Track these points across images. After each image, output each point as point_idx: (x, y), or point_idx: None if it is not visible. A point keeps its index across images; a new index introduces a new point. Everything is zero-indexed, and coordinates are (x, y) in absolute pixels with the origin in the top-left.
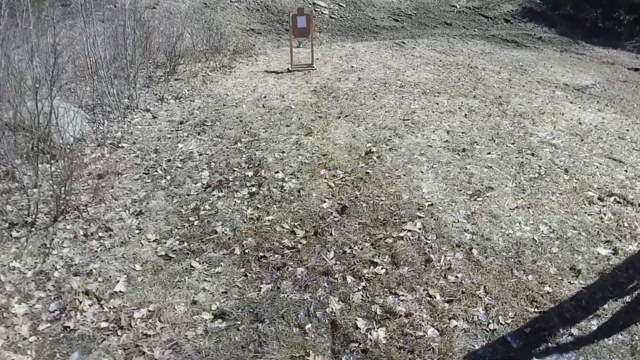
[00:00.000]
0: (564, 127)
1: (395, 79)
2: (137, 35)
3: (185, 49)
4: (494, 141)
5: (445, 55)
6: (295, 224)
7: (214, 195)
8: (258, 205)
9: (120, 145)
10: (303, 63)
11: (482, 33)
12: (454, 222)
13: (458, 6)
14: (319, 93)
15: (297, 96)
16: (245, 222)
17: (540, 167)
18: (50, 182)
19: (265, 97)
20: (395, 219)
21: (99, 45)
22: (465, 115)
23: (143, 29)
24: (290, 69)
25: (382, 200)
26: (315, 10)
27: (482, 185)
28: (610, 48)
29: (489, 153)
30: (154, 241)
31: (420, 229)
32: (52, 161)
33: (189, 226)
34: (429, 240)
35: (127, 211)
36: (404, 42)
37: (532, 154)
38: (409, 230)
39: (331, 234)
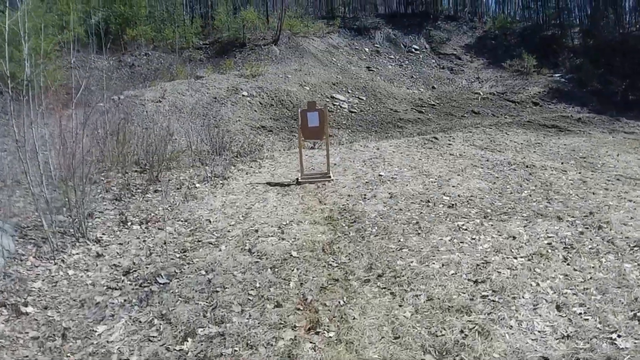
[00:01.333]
0: None
1: (440, 193)
2: (109, 133)
3: (178, 151)
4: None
5: (490, 151)
6: None
7: None
8: None
9: (25, 309)
10: (317, 172)
11: (516, 120)
12: None
13: (481, 93)
14: (335, 223)
15: (303, 229)
16: None
17: None
18: None
19: (257, 230)
20: None
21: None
22: (565, 259)
23: (122, 127)
24: (299, 179)
25: None
26: (334, 105)
27: None
28: None
29: None
30: None
31: None
32: None
33: None
34: None
35: None
36: (436, 138)
37: None
38: None
39: None
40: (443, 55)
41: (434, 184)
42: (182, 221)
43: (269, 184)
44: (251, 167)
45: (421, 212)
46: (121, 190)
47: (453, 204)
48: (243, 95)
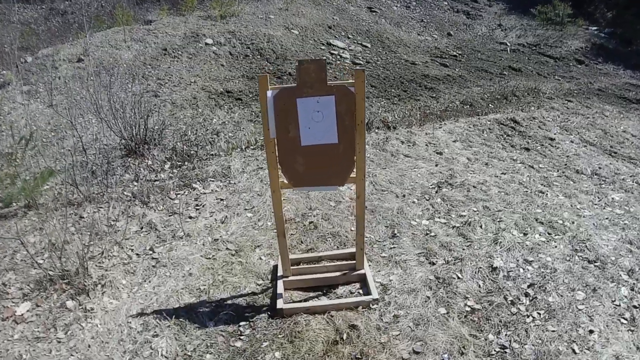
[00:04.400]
0: None
1: None
2: None
3: (48, 168)
4: None
5: (629, 161)
6: None
7: None
8: None
9: None
10: (322, 251)
11: (578, 85)
12: None
13: (509, 44)
14: None
15: None
16: None
17: None
18: None
19: None
20: None
21: None
22: None
23: None
24: (281, 297)
25: None
26: (332, 54)
27: None
28: None
29: None
30: None
31: None
32: None
33: None
34: None
35: None
36: (516, 121)
37: None
38: None
39: None
40: None
41: None
42: None
43: (196, 308)
44: (174, 211)
45: None
46: None
47: None
48: (206, 44)
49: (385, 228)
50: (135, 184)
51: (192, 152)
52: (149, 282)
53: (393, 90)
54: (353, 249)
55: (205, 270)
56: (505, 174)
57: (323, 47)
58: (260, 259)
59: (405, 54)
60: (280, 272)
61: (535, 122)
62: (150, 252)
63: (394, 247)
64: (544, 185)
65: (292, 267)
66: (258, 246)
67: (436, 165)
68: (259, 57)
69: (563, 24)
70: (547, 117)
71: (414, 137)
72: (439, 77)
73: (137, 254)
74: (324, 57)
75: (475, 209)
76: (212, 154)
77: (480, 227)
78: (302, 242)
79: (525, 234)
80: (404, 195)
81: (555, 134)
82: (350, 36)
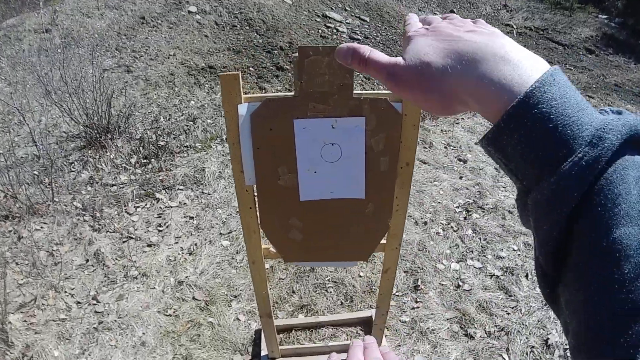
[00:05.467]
0: None
1: None
2: None
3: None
4: None
5: None
6: None
7: None
8: None
9: None
10: (335, 321)
11: (593, 77)
12: None
13: (515, 26)
14: None
15: None
16: None
17: None
18: None
19: None
20: None
21: None
22: None
23: None
24: None
25: None
26: (328, 27)
27: None
28: None
29: None
30: None
31: None
32: None
33: None
34: None
35: None
36: None
37: None
38: None
39: None
40: None
41: None
42: None
43: None
44: (130, 234)
45: None
46: None
47: None
48: (189, 12)
49: (405, 274)
50: (90, 189)
51: (162, 143)
52: (89, 354)
53: None
54: (366, 312)
55: (163, 337)
56: None
57: (318, 20)
58: (238, 319)
59: None
60: (264, 351)
61: None
62: (94, 301)
63: (417, 307)
64: None
65: (281, 336)
66: (235, 297)
67: (460, 178)
68: (247, 28)
69: (572, 9)
70: None
71: (429, 136)
72: None
73: (78, 302)
74: (320, 31)
75: (515, 247)
76: (186, 146)
77: (526, 276)
78: (293, 292)
79: None
80: (425, 223)
81: None
82: (347, 8)
